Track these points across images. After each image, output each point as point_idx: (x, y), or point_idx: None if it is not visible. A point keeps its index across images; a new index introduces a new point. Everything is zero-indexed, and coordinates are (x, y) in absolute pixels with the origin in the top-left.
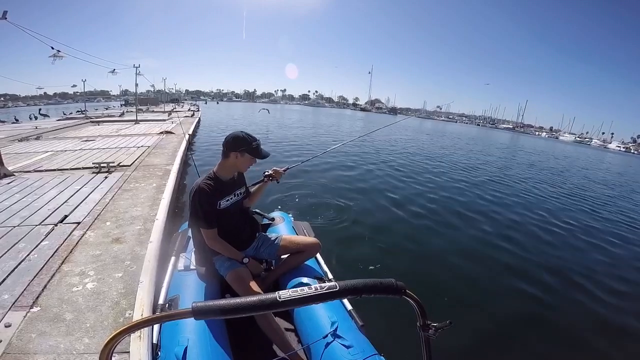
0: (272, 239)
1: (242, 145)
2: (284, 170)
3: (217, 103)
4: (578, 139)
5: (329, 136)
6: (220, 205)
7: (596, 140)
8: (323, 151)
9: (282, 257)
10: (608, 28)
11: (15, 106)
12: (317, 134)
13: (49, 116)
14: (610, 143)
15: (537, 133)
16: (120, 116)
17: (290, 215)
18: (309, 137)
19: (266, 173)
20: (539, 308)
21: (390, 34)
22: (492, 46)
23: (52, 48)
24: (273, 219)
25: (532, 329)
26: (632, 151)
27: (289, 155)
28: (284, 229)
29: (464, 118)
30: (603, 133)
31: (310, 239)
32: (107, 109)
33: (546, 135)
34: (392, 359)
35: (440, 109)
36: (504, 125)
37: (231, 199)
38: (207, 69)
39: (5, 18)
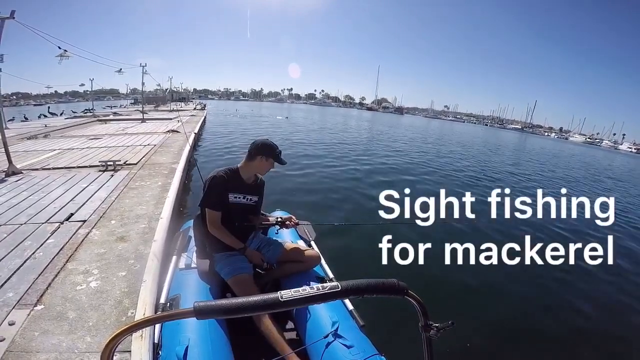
0: (274, 244)
1: (268, 150)
2: (296, 224)
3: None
4: (588, 140)
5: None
6: (228, 197)
7: (607, 142)
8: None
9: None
10: (619, 29)
11: (27, 104)
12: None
13: (56, 114)
14: (622, 144)
15: (546, 134)
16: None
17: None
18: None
19: (279, 219)
20: (542, 309)
21: (396, 34)
22: (501, 46)
23: (59, 48)
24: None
25: (535, 329)
26: None
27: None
28: (285, 229)
29: (471, 118)
30: (614, 134)
31: (311, 251)
32: (119, 107)
33: (555, 136)
34: (393, 359)
35: (448, 108)
36: (512, 126)
37: (239, 198)
38: (213, 67)
39: (13, 17)
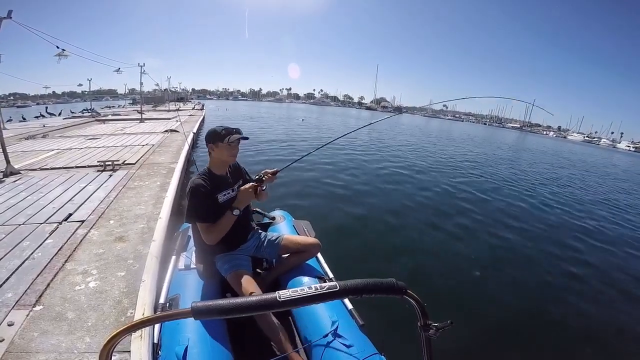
0: (273, 238)
1: (213, 137)
2: (273, 173)
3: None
4: (587, 138)
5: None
6: (218, 199)
7: (605, 140)
8: (316, 148)
9: (283, 256)
10: (617, 29)
11: (27, 105)
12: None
13: (54, 114)
14: (620, 143)
15: (544, 132)
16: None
17: (291, 214)
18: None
19: (256, 176)
20: (541, 309)
21: (396, 34)
22: (501, 46)
23: (58, 47)
24: (274, 218)
25: (534, 329)
26: None
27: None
28: (284, 227)
29: (470, 117)
30: (612, 133)
31: (310, 239)
32: (117, 107)
33: (554, 135)
34: (392, 358)
35: (447, 107)
36: (511, 125)
37: (228, 194)
38: (212, 68)
39: (10, 17)
